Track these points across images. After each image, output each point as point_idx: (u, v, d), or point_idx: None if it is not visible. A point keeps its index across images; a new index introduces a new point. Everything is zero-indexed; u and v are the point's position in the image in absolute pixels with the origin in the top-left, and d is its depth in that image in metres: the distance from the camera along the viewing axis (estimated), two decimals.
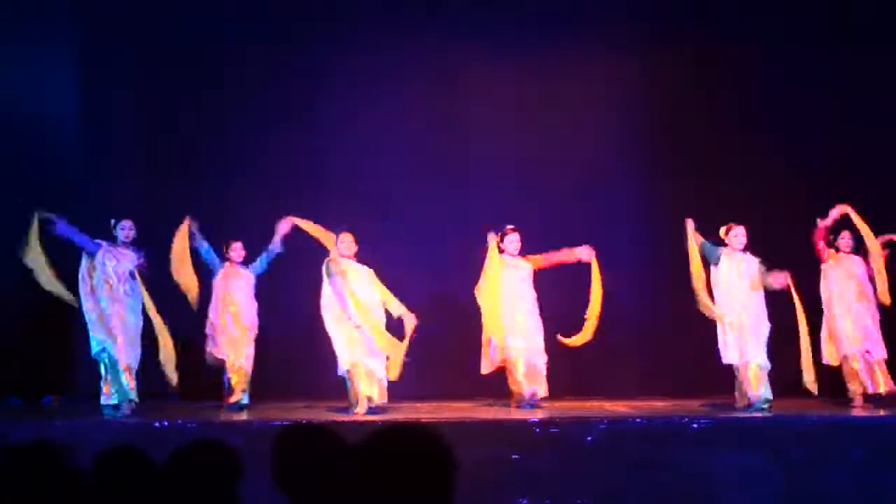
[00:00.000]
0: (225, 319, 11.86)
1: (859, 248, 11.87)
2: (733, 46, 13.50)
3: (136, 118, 13.36)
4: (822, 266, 11.99)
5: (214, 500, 3.98)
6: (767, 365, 11.37)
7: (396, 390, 11.32)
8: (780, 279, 11.54)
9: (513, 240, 11.93)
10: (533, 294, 11.83)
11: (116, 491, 4.11)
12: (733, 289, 11.59)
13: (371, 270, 11.49)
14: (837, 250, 12.03)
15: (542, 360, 11.68)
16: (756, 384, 11.27)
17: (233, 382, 11.72)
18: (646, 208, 12.90)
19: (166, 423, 9.60)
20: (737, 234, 11.76)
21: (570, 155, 13.44)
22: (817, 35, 13.46)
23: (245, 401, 11.68)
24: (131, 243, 11.32)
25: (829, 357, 11.85)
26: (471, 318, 11.87)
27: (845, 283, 11.89)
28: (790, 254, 12.85)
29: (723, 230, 11.77)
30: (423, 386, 12.09)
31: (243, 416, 10.93)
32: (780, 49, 13.46)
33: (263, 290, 11.97)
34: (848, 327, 11.78)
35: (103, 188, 13.13)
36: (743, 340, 11.42)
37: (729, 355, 11.47)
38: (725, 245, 11.76)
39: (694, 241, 11.60)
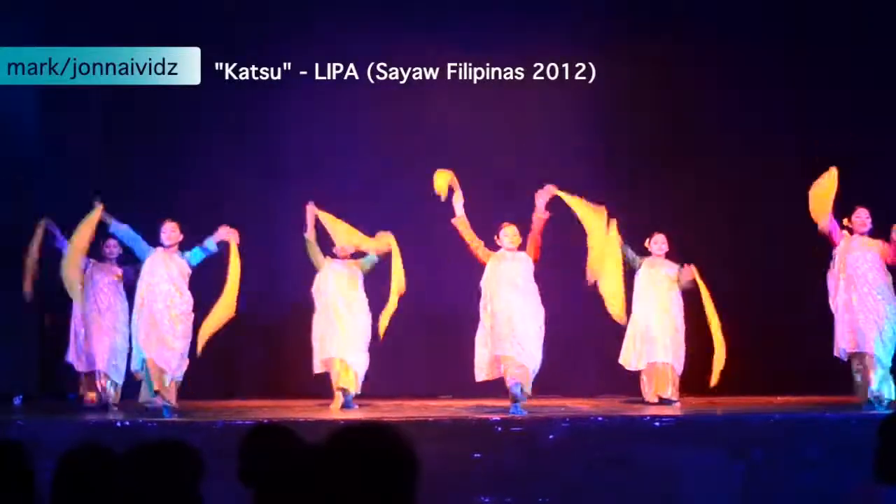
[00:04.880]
0: (149, 313, 11.02)
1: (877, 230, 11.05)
2: (690, 46, 13.54)
3: (95, 115, 13.26)
4: (834, 251, 11.04)
5: (176, 500, 3.97)
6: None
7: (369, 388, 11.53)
8: (687, 274, 11.72)
9: (508, 234, 11.25)
10: (534, 288, 11.15)
11: (77, 490, 4.10)
12: (650, 294, 11.79)
13: (356, 264, 11.82)
14: (851, 231, 11.02)
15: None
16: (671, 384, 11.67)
17: (155, 384, 10.83)
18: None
19: (128, 423, 9.59)
20: (657, 242, 11.99)
21: (524, 155, 13.45)
22: (775, 32, 13.54)
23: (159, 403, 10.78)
24: (116, 259, 11.81)
25: (840, 351, 10.99)
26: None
27: (858, 269, 10.90)
28: (752, 252, 13.01)
29: (647, 240, 11.98)
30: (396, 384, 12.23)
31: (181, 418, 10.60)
32: (738, 46, 13.52)
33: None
34: (859, 319, 10.84)
35: (60, 184, 13.03)
36: (653, 342, 11.67)
37: (633, 359, 11.80)
38: (650, 254, 11.99)
39: (617, 243, 11.58)
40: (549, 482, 9.32)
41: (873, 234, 11.18)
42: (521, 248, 11.30)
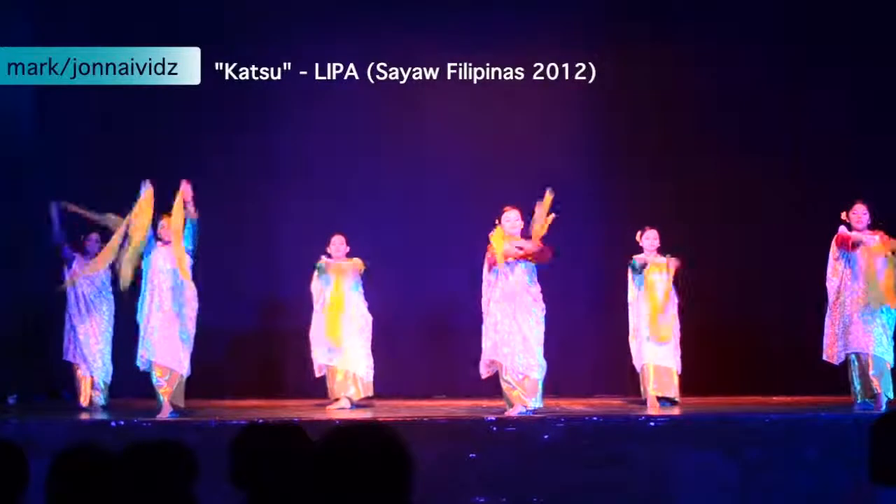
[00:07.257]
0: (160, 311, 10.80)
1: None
2: (690, 46, 13.56)
3: (94, 115, 13.30)
4: (832, 248, 10.71)
5: (171, 500, 3.98)
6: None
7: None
8: (673, 263, 11.37)
9: (510, 218, 10.67)
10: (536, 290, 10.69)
11: (72, 490, 4.11)
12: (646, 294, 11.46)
13: (357, 265, 11.67)
14: (850, 227, 10.66)
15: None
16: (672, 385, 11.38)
17: (161, 391, 10.64)
18: (601, 208, 12.94)
19: (122, 422, 9.61)
20: (649, 237, 11.50)
21: (524, 155, 13.46)
22: (772, 31, 13.55)
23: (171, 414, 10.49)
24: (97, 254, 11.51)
25: (830, 355, 10.77)
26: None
27: (858, 267, 10.58)
28: (750, 250, 13.02)
29: (638, 234, 11.57)
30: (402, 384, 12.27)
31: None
32: (738, 47, 13.53)
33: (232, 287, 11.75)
34: (863, 320, 10.56)
35: (59, 184, 13.05)
36: (647, 343, 11.34)
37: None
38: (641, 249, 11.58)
39: None
40: (543, 482, 9.31)
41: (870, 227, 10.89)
42: (524, 233, 10.75)
